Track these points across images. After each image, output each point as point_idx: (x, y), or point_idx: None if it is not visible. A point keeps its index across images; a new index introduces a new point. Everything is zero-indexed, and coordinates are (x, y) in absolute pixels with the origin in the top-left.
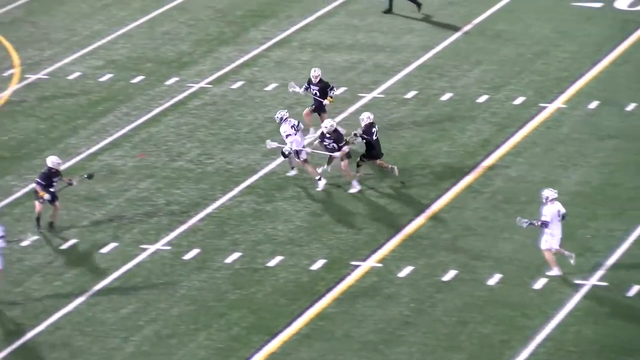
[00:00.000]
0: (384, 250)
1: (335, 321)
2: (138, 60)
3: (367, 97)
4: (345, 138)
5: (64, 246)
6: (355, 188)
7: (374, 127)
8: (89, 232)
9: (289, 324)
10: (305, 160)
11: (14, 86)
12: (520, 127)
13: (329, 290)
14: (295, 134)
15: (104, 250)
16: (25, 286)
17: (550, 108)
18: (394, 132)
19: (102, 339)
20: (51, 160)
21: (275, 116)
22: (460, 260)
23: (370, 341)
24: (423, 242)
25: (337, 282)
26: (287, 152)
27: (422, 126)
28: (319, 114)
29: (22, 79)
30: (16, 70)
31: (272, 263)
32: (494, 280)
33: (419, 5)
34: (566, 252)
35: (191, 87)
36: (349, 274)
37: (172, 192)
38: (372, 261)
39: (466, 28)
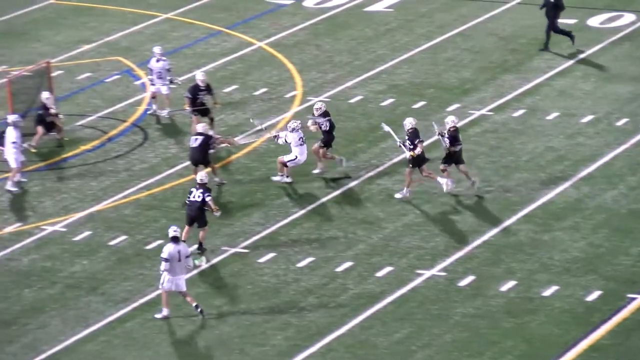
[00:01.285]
0: None
1: (609, 353)
2: (420, 85)
3: None
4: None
5: (339, 269)
6: (401, 194)
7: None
8: (365, 255)
9: (561, 355)
10: (286, 165)
11: (295, 108)
12: None
13: (603, 322)
14: (302, 145)
15: (380, 273)
16: (300, 307)
17: None
18: None
19: None
20: (201, 176)
21: (288, 125)
22: None
23: None
24: None
25: (613, 314)
26: (289, 162)
27: None
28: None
29: (303, 101)
30: (298, 92)
31: (547, 292)
32: None
33: (572, 38)
34: None
35: (472, 114)
36: (624, 306)
37: (450, 219)
38: None
39: None
